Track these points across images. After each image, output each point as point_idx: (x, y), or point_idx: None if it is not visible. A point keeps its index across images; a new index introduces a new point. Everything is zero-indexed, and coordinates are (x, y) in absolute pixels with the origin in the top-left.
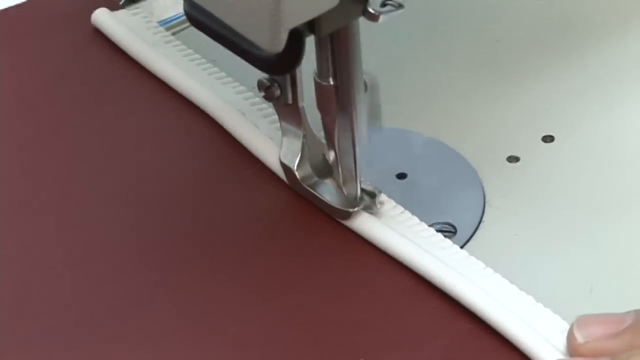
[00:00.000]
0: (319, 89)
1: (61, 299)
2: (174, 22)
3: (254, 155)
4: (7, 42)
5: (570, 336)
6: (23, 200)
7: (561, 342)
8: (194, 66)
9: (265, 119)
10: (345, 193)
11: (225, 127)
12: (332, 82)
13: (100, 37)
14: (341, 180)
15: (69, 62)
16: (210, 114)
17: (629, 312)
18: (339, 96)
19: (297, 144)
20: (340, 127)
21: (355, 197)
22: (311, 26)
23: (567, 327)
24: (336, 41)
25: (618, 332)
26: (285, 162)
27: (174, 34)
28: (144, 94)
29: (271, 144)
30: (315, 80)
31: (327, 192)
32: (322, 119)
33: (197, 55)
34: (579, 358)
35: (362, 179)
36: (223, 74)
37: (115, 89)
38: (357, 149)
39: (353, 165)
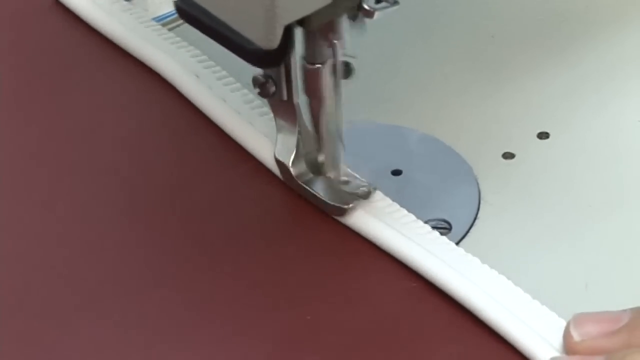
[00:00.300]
0: (307, 72)
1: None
2: (168, 18)
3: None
4: None
5: (567, 334)
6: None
7: (557, 340)
8: (157, 35)
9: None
10: (332, 177)
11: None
12: (319, 66)
13: (60, 7)
14: (329, 165)
15: (28, 32)
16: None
17: (625, 310)
18: (326, 80)
19: (292, 141)
20: (327, 111)
21: (341, 182)
22: (300, 19)
23: (563, 324)
24: (324, 29)
25: (614, 330)
26: (281, 158)
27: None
28: (115, 72)
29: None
30: (302, 64)
31: (322, 189)
32: (309, 103)
33: (152, 22)
34: (576, 356)
35: (356, 176)
36: (190, 45)
37: (77, 60)
38: (343, 133)
39: (339, 149)
